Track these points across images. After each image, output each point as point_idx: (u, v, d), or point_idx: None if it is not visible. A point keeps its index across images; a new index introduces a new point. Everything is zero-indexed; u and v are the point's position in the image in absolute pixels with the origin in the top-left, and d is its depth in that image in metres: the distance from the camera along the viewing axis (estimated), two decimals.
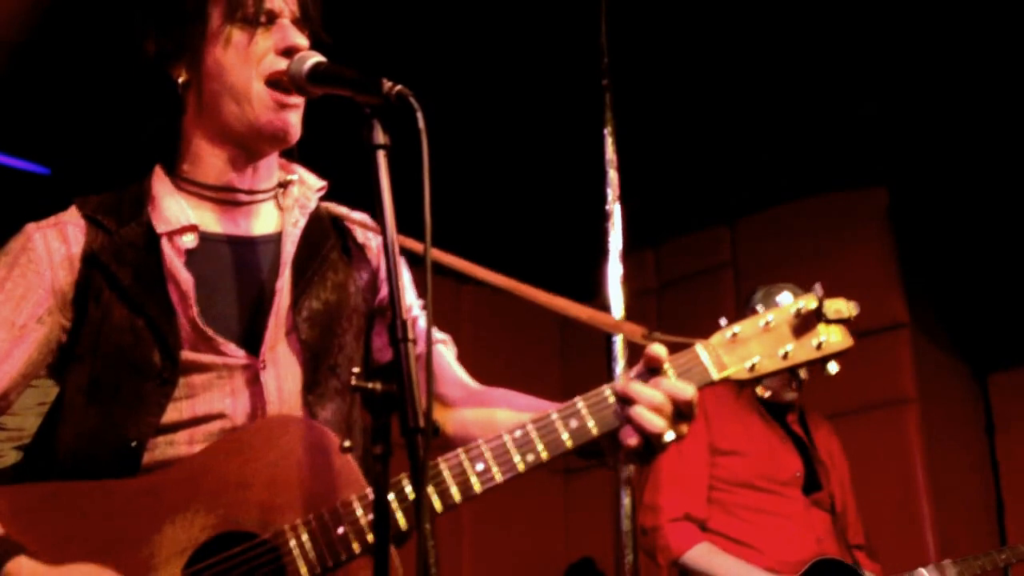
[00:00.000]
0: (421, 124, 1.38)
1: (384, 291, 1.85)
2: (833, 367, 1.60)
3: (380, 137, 1.42)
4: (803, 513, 3.41)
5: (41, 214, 1.80)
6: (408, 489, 1.49)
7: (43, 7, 3.48)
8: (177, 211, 1.72)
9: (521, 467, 1.51)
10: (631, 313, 3.48)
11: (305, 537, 1.48)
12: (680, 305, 5.52)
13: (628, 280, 3.48)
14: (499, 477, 1.51)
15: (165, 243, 1.69)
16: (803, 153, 4.68)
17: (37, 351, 1.67)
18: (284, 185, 1.82)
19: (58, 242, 1.69)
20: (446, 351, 1.89)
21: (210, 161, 1.75)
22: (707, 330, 5.01)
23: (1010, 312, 4.63)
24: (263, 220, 1.79)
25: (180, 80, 1.73)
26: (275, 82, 1.68)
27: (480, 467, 1.51)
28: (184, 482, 1.54)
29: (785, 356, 1.55)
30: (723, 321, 1.60)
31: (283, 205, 1.80)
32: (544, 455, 1.51)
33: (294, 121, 1.71)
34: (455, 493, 1.50)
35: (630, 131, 3.51)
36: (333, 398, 1.71)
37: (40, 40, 3.57)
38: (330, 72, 1.59)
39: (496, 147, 4.49)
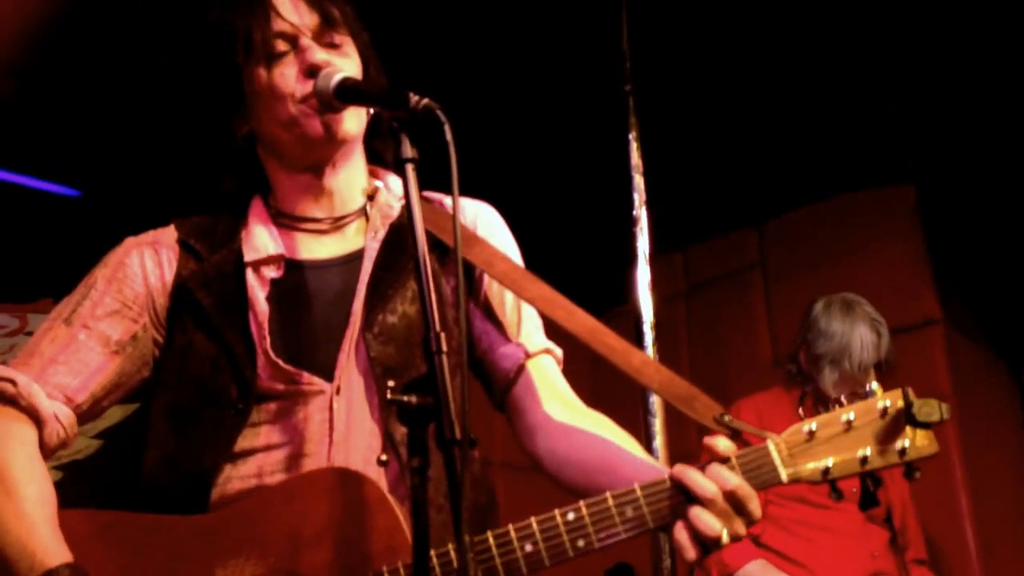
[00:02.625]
0: (449, 137, 1.38)
1: (486, 283, 1.82)
2: (915, 475, 1.45)
3: (408, 151, 1.43)
4: (859, 528, 3.33)
5: (73, 236, 1.84)
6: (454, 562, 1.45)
7: (40, 29, 3.51)
8: (267, 240, 1.76)
9: (571, 553, 1.46)
10: (661, 317, 3.48)
11: None
12: (709, 308, 5.50)
13: (657, 284, 3.48)
14: (547, 562, 1.47)
15: (250, 273, 1.73)
16: (830, 152, 4.65)
17: (131, 364, 1.73)
18: (372, 196, 1.83)
19: (153, 263, 1.76)
20: (547, 362, 1.82)
21: (291, 193, 1.80)
22: (737, 331, 5.02)
23: None
24: (350, 239, 1.80)
25: (242, 133, 1.79)
26: (303, 98, 1.69)
27: (529, 548, 1.47)
28: (238, 526, 1.54)
29: (864, 461, 1.42)
30: (801, 411, 1.50)
31: (369, 216, 1.81)
32: (595, 544, 1.46)
33: (340, 120, 1.70)
34: (500, 572, 1.46)
35: (655, 135, 3.50)
36: None
37: (69, 62, 3.61)
38: (356, 88, 1.61)
39: (521, 155, 4.50)
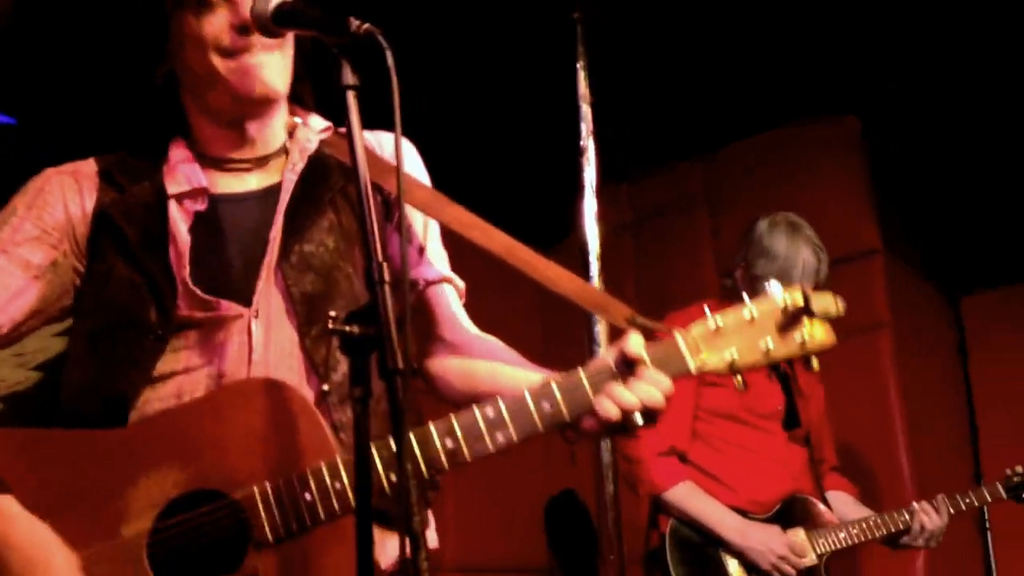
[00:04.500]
0: (390, 63, 1.37)
1: (392, 234, 1.84)
2: (814, 364, 1.59)
3: (349, 77, 1.41)
4: (782, 449, 3.39)
5: (9, 164, 1.81)
6: (385, 451, 1.49)
7: None
8: (189, 173, 1.77)
9: (491, 448, 1.51)
10: (607, 248, 3.50)
11: (272, 500, 1.50)
12: (655, 239, 5.53)
13: (603, 215, 3.48)
14: (468, 456, 1.51)
15: (172, 205, 1.73)
16: (776, 84, 4.67)
17: (51, 290, 1.73)
18: (292, 132, 1.85)
19: (73, 192, 1.76)
20: (448, 291, 1.88)
21: (214, 138, 1.80)
22: (683, 262, 5.06)
23: (982, 234, 4.67)
24: (270, 174, 1.81)
25: (161, 73, 1.77)
26: (229, 51, 1.68)
27: (450, 444, 1.51)
28: (161, 438, 1.56)
29: (766, 351, 1.54)
30: (706, 308, 1.59)
31: (288, 151, 1.82)
32: (515, 437, 1.51)
33: (268, 76, 1.70)
34: (423, 467, 1.51)
35: (603, 65, 3.49)
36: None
37: None
38: (295, 12, 1.57)
39: (468, 84, 4.45)
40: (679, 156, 5.36)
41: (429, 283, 1.85)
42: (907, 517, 3.28)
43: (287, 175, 1.78)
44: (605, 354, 1.58)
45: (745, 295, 1.59)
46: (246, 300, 1.67)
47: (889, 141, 4.68)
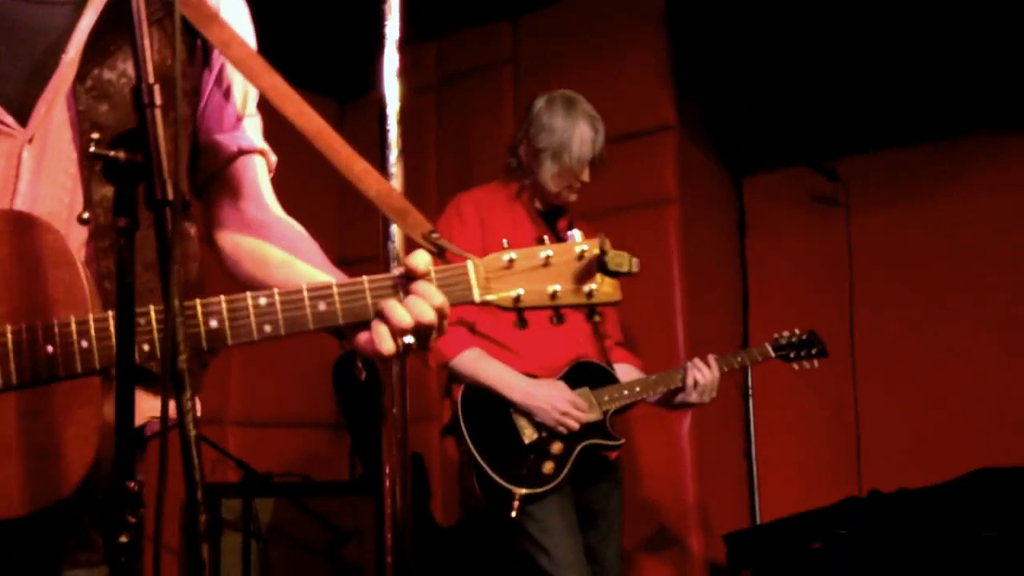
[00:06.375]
0: None
1: (221, 66, 1.72)
2: (595, 318, 1.63)
3: None
4: (568, 318, 3.50)
5: None
6: (144, 320, 1.41)
7: None
8: None
9: (255, 336, 1.45)
10: (408, 108, 3.42)
11: (9, 346, 1.39)
12: (459, 101, 5.49)
13: (406, 73, 3.39)
14: (229, 340, 1.44)
15: None
16: None
17: None
18: None
19: None
20: (258, 164, 1.79)
21: None
22: (485, 126, 5.02)
23: (766, 118, 4.86)
24: None
25: None
26: None
27: (214, 324, 1.43)
28: None
29: (553, 296, 1.55)
30: (505, 242, 1.58)
31: None
32: (282, 331, 1.46)
33: None
34: (180, 343, 1.40)
35: None
36: None
37: None
38: None
39: None
40: (488, 17, 5.29)
41: (242, 151, 1.75)
42: (682, 373, 3.47)
43: None
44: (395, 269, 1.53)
45: (546, 238, 1.59)
46: (21, 117, 1.51)
47: (692, 19, 4.76)
